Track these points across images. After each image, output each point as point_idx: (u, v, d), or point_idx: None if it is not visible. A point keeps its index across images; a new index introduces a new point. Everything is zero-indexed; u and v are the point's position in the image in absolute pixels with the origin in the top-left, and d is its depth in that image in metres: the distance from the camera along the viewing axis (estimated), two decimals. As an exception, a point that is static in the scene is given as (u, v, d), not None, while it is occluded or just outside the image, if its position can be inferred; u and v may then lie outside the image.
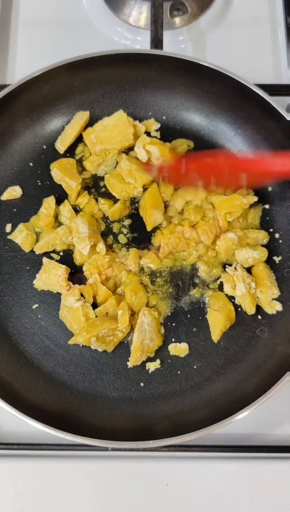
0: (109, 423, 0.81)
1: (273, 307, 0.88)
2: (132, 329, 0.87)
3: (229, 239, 0.89)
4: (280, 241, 0.94)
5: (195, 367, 0.87)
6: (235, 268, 0.90)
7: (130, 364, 0.85)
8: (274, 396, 0.76)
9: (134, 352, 0.85)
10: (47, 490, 0.82)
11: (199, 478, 0.82)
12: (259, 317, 0.89)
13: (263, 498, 0.82)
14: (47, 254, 0.92)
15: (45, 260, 0.90)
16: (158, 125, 1.00)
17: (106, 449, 0.82)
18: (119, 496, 0.81)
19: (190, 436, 0.74)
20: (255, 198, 0.91)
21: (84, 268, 0.90)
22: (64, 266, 0.89)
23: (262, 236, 0.92)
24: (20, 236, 0.92)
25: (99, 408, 0.83)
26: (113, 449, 0.82)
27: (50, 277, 0.88)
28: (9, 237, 0.93)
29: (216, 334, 0.87)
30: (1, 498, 0.82)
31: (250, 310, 0.87)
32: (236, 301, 0.89)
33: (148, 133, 0.99)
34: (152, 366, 0.86)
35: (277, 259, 0.93)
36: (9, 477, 0.83)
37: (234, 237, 0.89)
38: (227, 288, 0.89)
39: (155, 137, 0.99)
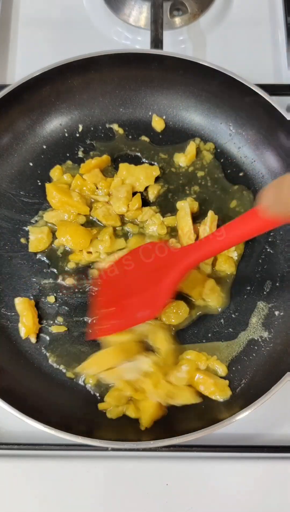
0: (109, 423, 0.81)
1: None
2: None
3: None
4: (278, 241, 0.94)
5: (195, 367, 0.87)
6: None
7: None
8: (274, 396, 0.75)
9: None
10: (47, 490, 0.82)
11: (199, 478, 0.82)
12: (259, 317, 0.90)
13: (263, 498, 0.81)
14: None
15: None
16: (163, 126, 1.00)
17: (106, 449, 0.82)
18: (119, 496, 0.81)
19: (190, 436, 0.73)
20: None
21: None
22: None
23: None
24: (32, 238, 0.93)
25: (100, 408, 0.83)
26: (113, 449, 0.82)
27: None
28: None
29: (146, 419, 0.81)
30: (1, 498, 0.82)
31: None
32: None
33: (155, 133, 1.00)
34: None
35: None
36: (9, 477, 0.82)
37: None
38: None
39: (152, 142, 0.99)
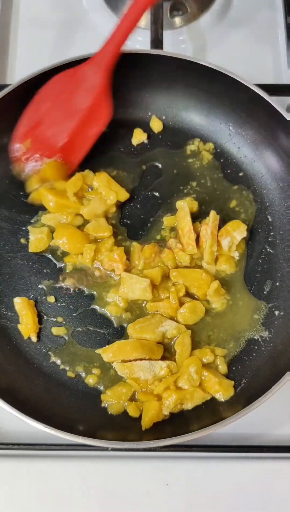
0: (109, 423, 0.81)
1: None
2: None
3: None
4: (278, 241, 0.94)
5: (195, 367, 0.87)
6: None
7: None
8: (274, 396, 0.76)
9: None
10: (47, 490, 0.82)
11: (199, 478, 0.82)
12: (259, 317, 0.90)
13: (263, 498, 0.81)
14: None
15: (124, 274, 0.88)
16: (161, 127, 1.00)
17: (106, 449, 0.82)
18: (119, 496, 0.81)
19: (190, 436, 0.73)
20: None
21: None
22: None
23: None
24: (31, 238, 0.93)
25: (99, 408, 0.83)
26: (113, 449, 0.82)
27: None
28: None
29: (146, 421, 0.80)
30: (1, 498, 0.82)
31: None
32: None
33: (154, 133, 1.00)
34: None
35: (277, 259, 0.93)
36: (9, 477, 0.83)
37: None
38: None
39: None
